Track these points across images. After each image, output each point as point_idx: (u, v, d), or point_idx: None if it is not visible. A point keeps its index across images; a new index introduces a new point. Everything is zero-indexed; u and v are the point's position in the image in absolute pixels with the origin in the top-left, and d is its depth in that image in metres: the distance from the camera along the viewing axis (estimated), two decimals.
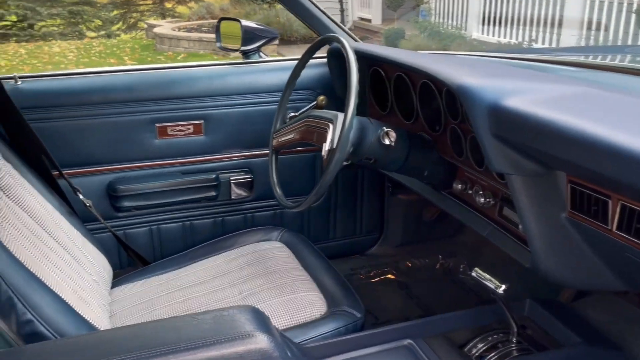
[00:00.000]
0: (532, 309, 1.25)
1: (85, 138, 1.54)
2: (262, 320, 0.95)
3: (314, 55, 1.47)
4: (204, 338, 0.88)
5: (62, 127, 1.51)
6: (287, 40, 8.79)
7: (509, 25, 6.95)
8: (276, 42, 8.32)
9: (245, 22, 1.75)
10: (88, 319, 1.08)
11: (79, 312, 1.06)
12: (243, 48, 1.76)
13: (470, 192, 1.31)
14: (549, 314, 1.22)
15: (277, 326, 1.22)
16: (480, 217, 1.28)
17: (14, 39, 9.70)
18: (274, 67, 1.75)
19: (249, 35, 1.75)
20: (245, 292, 1.36)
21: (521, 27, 6.77)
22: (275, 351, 0.90)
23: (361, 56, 1.52)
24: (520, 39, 6.80)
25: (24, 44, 9.52)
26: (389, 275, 1.91)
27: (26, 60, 8.34)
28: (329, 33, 1.65)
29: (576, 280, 1.07)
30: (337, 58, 1.62)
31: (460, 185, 1.34)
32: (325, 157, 1.19)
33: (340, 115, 1.20)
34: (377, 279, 1.90)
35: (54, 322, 0.99)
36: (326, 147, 1.19)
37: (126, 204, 1.61)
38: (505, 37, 7.04)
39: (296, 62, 1.47)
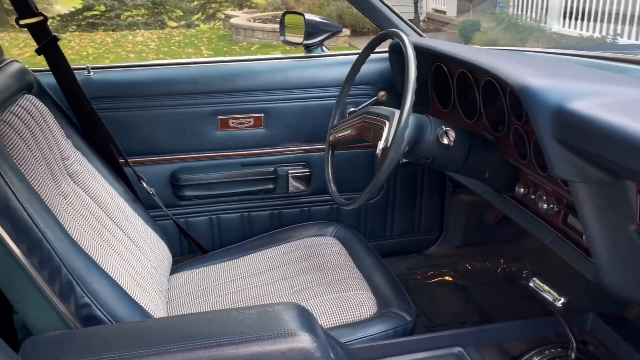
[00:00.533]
0: (595, 323, 1.17)
1: (151, 128, 1.59)
2: (306, 319, 0.95)
3: (377, 50, 1.44)
4: (248, 333, 0.89)
5: (129, 117, 1.57)
6: (359, 31, 8.75)
7: (592, 18, 6.55)
8: (348, 33, 8.31)
9: (308, 16, 1.75)
10: (143, 306, 1.12)
11: (135, 299, 1.10)
12: (306, 42, 1.75)
13: (533, 196, 1.25)
14: (613, 330, 1.14)
15: (324, 324, 1.22)
16: (543, 224, 1.21)
17: (102, 28, 10.23)
18: (336, 61, 1.74)
19: (312, 29, 1.75)
20: (297, 286, 1.37)
21: (605, 20, 6.36)
22: (318, 351, 0.89)
23: (423, 52, 1.48)
24: (603, 33, 6.40)
25: (110, 32, 10.02)
26: (447, 277, 1.86)
27: (111, 49, 8.77)
28: (392, 28, 1.62)
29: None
30: (398, 53, 1.58)
31: (522, 189, 1.28)
32: (379, 155, 1.17)
33: (397, 113, 1.17)
34: (434, 280, 1.86)
35: (110, 307, 1.03)
36: (381, 145, 1.17)
37: (187, 193, 1.66)
38: (587, 30, 6.64)
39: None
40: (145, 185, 1.54)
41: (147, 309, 1.13)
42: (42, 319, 1.00)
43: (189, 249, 1.72)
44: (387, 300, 1.29)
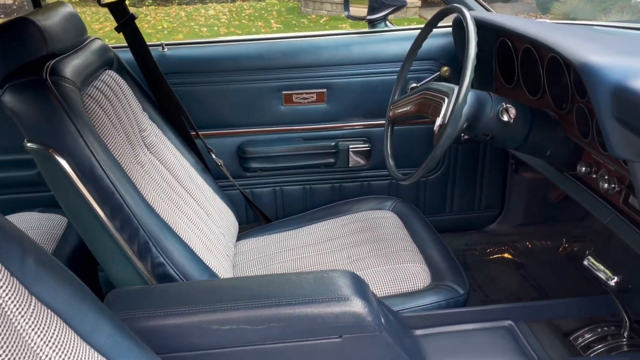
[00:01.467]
0: None
1: (220, 102, 1.68)
2: (359, 286, 1.01)
3: (441, 25, 1.44)
4: (304, 296, 0.96)
5: (200, 92, 1.66)
6: (430, 1, 8.53)
7: None
8: (418, 4, 8.12)
9: None
10: (211, 268, 1.21)
11: (204, 261, 1.20)
12: (369, 17, 1.77)
13: (594, 176, 1.23)
14: None
15: (377, 293, 1.27)
16: (603, 203, 1.20)
17: (176, 1, 10.51)
18: (399, 36, 1.75)
19: (375, 4, 1.76)
20: (353, 257, 1.43)
21: None
22: (369, 316, 0.95)
23: (487, 27, 1.47)
24: None
25: (184, 6, 10.29)
26: (506, 255, 1.86)
27: (185, 23, 9.02)
28: (455, 3, 1.61)
29: None
30: (461, 28, 1.57)
31: (584, 168, 1.26)
32: (436, 131, 1.19)
33: (456, 90, 1.19)
34: (493, 256, 1.86)
35: (182, 267, 1.13)
36: (438, 121, 1.19)
37: (253, 165, 1.75)
38: None
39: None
40: (214, 156, 1.63)
41: (214, 270, 1.23)
42: (123, 275, 1.12)
43: (254, 217, 1.81)
44: (441, 273, 1.33)
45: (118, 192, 1.06)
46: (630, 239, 1.10)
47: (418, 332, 1.13)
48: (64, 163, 1.01)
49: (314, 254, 1.48)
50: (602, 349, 1.09)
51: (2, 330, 0.59)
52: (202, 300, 0.96)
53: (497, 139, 1.28)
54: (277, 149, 1.74)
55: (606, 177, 1.18)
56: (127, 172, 1.12)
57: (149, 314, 0.92)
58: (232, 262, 1.47)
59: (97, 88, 1.19)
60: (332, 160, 1.77)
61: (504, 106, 1.23)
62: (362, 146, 1.77)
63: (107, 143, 1.11)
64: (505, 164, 1.86)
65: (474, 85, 1.55)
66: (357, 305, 0.95)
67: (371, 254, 1.42)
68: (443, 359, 1.04)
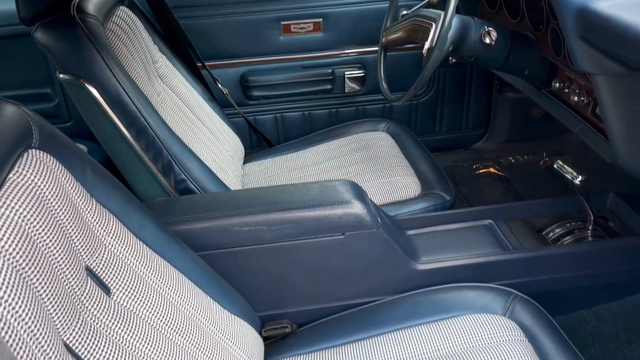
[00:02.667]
0: (614, 202, 1.33)
1: (222, 34, 1.78)
2: (359, 192, 1.16)
3: None
4: (312, 201, 1.12)
5: (204, 25, 1.76)
6: None
7: None
8: None
9: None
10: (225, 183, 1.37)
11: (219, 177, 1.34)
12: None
13: (567, 90, 1.37)
14: (630, 207, 1.29)
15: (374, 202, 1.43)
16: (574, 115, 1.34)
17: None
18: None
19: None
20: (351, 173, 1.58)
21: None
22: (368, 216, 1.11)
23: None
24: None
25: None
26: (491, 169, 2.02)
27: None
28: None
29: None
30: None
31: (558, 84, 1.40)
32: (425, 54, 1.31)
33: (443, 15, 1.30)
34: (479, 172, 2.03)
35: (201, 182, 1.28)
36: (426, 45, 1.31)
37: (255, 93, 1.87)
38: None
39: None
40: (220, 85, 1.75)
41: (229, 185, 1.38)
42: (150, 190, 1.26)
43: (257, 143, 1.95)
44: (430, 183, 1.49)
45: (142, 116, 1.19)
46: (596, 145, 1.25)
47: (410, 232, 1.29)
48: (94, 91, 1.14)
49: (316, 172, 1.63)
50: (570, 240, 1.26)
51: (77, 223, 0.75)
52: (224, 207, 1.12)
53: (480, 60, 1.41)
54: (278, 77, 1.85)
55: (577, 91, 1.32)
56: (149, 99, 1.25)
57: (179, 219, 1.08)
58: (241, 183, 1.62)
59: (115, 23, 1.29)
60: (329, 86, 1.89)
61: (486, 29, 1.35)
62: (357, 72, 1.88)
63: (130, 73, 1.23)
64: (490, 85, 1.99)
65: (460, 10, 1.67)
66: (357, 207, 1.11)
67: (367, 170, 1.58)
68: (432, 253, 1.21)
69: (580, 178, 1.18)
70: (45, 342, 0.59)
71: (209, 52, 1.78)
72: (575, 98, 1.31)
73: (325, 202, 1.11)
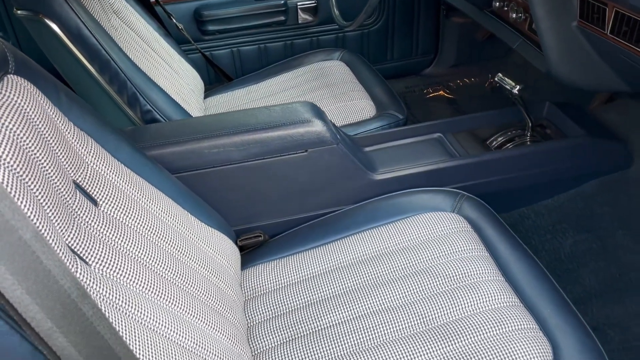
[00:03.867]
0: (550, 110, 1.46)
1: None
2: (318, 111, 1.24)
3: None
4: (275, 122, 1.19)
5: None
6: None
7: None
8: None
9: None
10: (190, 113, 1.42)
11: (183, 107, 1.40)
12: None
13: (506, 8, 1.46)
14: (564, 114, 1.43)
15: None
16: (513, 31, 1.45)
17: None
18: None
19: None
20: (310, 100, 1.65)
21: None
22: (327, 132, 1.20)
23: None
24: None
25: None
26: (441, 92, 2.13)
27: None
28: None
29: (585, 82, 1.25)
30: None
31: (498, 3, 1.49)
32: None
33: None
34: (429, 96, 2.13)
35: (166, 112, 1.34)
36: None
37: (210, 27, 1.89)
38: None
39: None
40: (174, 21, 1.77)
41: (193, 116, 1.44)
42: (117, 123, 1.31)
43: (215, 77, 1.99)
44: (384, 105, 1.58)
45: (104, 49, 1.22)
46: (533, 58, 1.36)
47: (367, 149, 1.39)
48: (53, 26, 1.16)
49: (275, 102, 1.70)
50: (511, 146, 1.39)
51: (60, 141, 0.81)
52: (192, 131, 1.18)
53: None
54: (232, 10, 1.88)
55: (515, 8, 1.42)
56: (108, 34, 1.28)
57: (150, 144, 1.14)
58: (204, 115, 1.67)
59: None
60: (282, 18, 1.93)
61: None
62: (309, 2, 1.93)
63: (87, 8, 1.25)
64: (437, 11, 2.07)
65: None
66: (317, 125, 1.19)
67: (324, 96, 1.66)
68: (388, 165, 1.31)
69: (518, 87, 1.30)
70: (51, 241, 0.66)
71: None
72: (514, 15, 1.41)
73: (288, 122, 1.19)
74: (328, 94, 1.66)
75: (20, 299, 0.40)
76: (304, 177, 1.23)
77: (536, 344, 0.88)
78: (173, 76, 1.55)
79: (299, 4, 1.92)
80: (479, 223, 1.14)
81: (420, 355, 0.89)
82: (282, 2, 1.90)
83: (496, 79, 1.35)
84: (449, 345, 0.90)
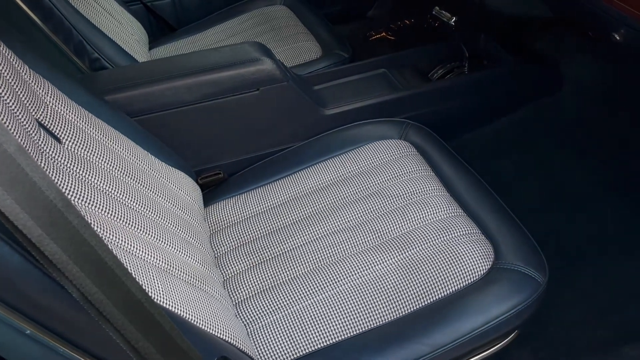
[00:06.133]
0: (486, 41, 1.55)
1: None
2: (267, 51, 1.28)
3: None
4: (225, 62, 1.22)
5: None
6: None
7: None
8: None
9: None
10: (138, 61, 1.43)
11: (131, 54, 1.40)
12: None
13: None
14: (498, 44, 1.52)
15: None
16: None
17: None
18: None
19: None
20: None
21: None
22: (277, 70, 1.24)
23: None
24: None
25: None
26: (383, 34, 2.19)
27: None
28: None
29: (515, 8, 1.33)
30: None
31: None
32: None
33: None
34: (372, 38, 2.18)
35: (114, 60, 1.34)
36: None
37: None
38: None
39: None
40: None
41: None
42: (67, 73, 1.31)
43: (158, 29, 1.97)
44: (329, 45, 1.63)
45: None
46: None
47: (316, 87, 1.44)
48: None
49: None
50: (450, 76, 1.48)
51: (20, 82, 0.82)
52: (144, 75, 1.20)
53: None
54: None
55: None
56: None
57: (103, 89, 1.15)
58: None
59: None
60: None
61: None
62: None
63: None
64: None
65: None
66: (267, 64, 1.23)
67: (271, 40, 1.68)
68: (337, 101, 1.37)
69: (454, 19, 1.37)
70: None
71: None
72: None
73: (238, 61, 1.22)
74: (274, 38, 1.69)
75: (11, 207, 0.42)
76: (258, 116, 1.27)
77: (479, 245, 0.99)
78: (118, 27, 1.54)
79: None
80: (424, 147, 1.22)
81: (378, 264, 0.98)
82: None
83: (433, 12, 1.42)
84: (403, 253, 0.99)
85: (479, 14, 1.50)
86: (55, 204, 0.47)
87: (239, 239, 1.12)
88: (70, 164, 0.84)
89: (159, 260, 0.84)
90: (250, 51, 1.25)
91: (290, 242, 1.07)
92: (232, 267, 1.06)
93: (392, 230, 1.04)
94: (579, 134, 1.51)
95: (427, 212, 1.06)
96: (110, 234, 0.79)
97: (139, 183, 0.96)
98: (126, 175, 0.95)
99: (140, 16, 1.86)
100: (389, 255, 0.99)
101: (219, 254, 1.10)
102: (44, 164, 0.77)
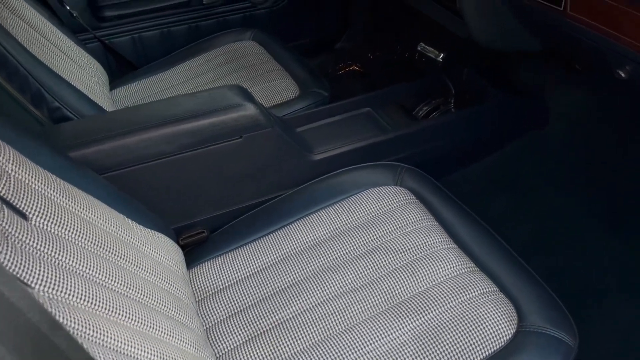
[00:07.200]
0: (469, 76, 1.50)
1: None
2: (248, 95, 1.18)
3: None
4: (204, 109, 1.11)
5: None
6: None
7: None
8: None
9: None
10: (103, 107, 1.30)
11: (95, 101, 1.27)
12: None
13: None
14: (482, 79, 1.47)
15: None
16: (434, 3, 1.46)
17: None
18: None
19: None
20: (228, 84, 1.58)
21: None
22: (261, 115, 1.14)
23: None
24: None
25: None
26: (354, 67, 2.13)
27: None
28: None
29: (505, 43, 1.29)
30: None
31: None
32: None
33: None
34: (343, 71, 2.12)
35: (77, 108, 1.21)
36: None
37: (108, 13, 1.74)
38: None
39: None
40: (67, 7, 1.60)
41: (106, 110, 1.31)
42: (23, 126, 1.16)
43: (117, 68, 1.84)
44: (306, 83, 1.54)
45: None
46: (448, 23, 1.39)
47: (299, 129, 1.35)
48: None
49: (191, 89, 1.61)
50: (437, 114, 1.42)
51: None
52: (115, 126, 1.07)
53: None
54: None
55: None
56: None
57: (70, 144, 1.02)
58: (114, 108, 1.54)
59: None
60: None
61: None
62: None
63: None
64: None
65: None
66: (250, 109, 1.13)
67: (243, 79, 1.59)
68: (322, 144, 1.28)
69: (442, 55, 1.31)
70: None
71: None
72: None
73: (219, 107, 1.12)
74: (246, 76, 1.59)
75: None
76: (241, 165, 1.17)
77: (500, 305, 0.90)
78: (76, 69, 1.41)
79: None
80: (422, 193, 1.14)
81: (393, 332, 0.88)
82: None
83: (419, 48, 1.36)
84: (419, 318, 0.90)
85: (465, 49, 1.45)
86: (39, 327, 0.39)
87: (229, 307, 1.00)
88: (39, 245, 0.71)
89: (149, 354, 0.72)
90: (231, 96, 1.15)
91: (289, 309, 0.96)
92: (226, 342, 0.94)
93: (403, 291, 0.95)
94: (568, 168, 1.47)
95: (438, 268, 0.97)
96: (90, 329, 0.66)
97: (117, 256, 0.84)
98: (103, 248, 0.82)
99: (98, 54, 1.74)
100: (405, 321, 0.89)
101: (208, 325, 0.98)
102: (10, 251, 0.64)
